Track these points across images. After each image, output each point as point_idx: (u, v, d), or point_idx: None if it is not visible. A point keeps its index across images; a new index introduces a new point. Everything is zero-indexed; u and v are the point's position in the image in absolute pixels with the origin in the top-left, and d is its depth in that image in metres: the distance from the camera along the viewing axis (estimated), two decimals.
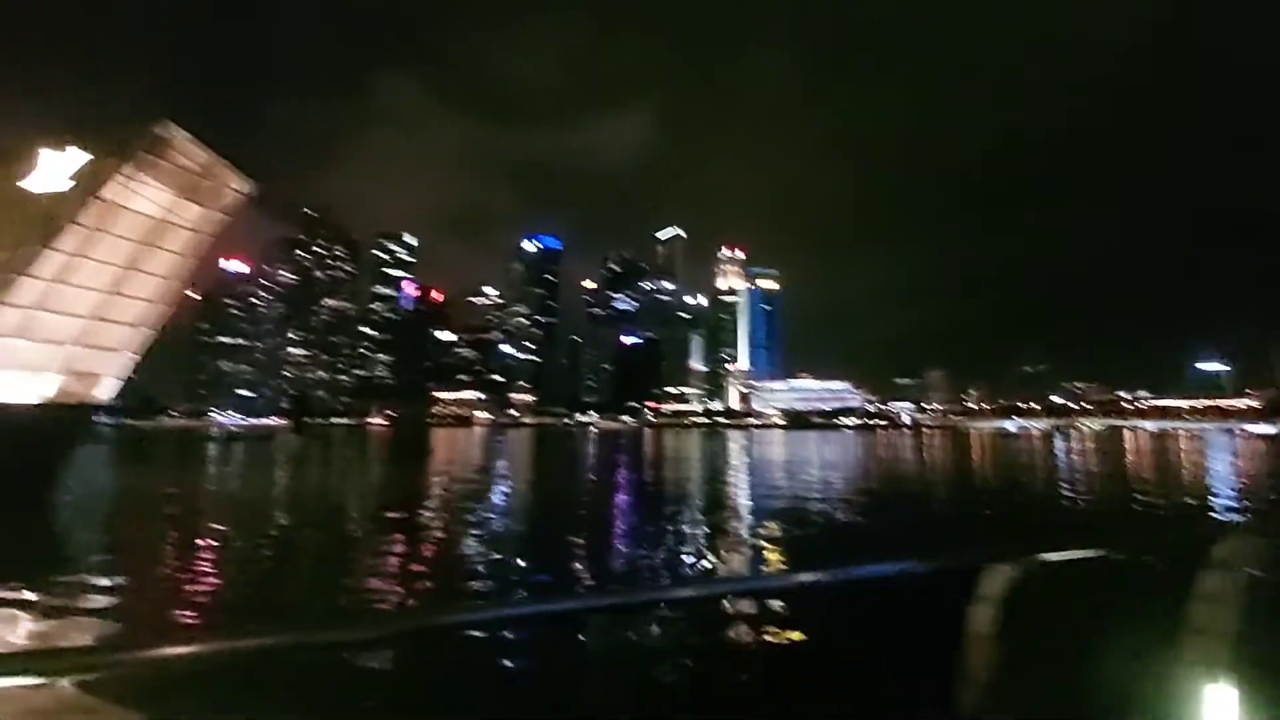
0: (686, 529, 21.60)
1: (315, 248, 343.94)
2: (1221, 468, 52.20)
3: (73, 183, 25.01)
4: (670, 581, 14.11)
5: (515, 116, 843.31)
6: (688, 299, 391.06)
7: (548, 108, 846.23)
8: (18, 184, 25.01)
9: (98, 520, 22.95)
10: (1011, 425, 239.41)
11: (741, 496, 33.12)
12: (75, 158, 25.33)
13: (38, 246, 24.17)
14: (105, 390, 29.58)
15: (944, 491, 35.67)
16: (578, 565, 16.33)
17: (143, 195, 26.68)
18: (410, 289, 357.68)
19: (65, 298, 25.92)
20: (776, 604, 10.80)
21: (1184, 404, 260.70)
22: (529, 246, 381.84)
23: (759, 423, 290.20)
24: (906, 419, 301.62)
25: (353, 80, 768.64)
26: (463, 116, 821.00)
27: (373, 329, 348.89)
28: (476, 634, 8.49)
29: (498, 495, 33.13)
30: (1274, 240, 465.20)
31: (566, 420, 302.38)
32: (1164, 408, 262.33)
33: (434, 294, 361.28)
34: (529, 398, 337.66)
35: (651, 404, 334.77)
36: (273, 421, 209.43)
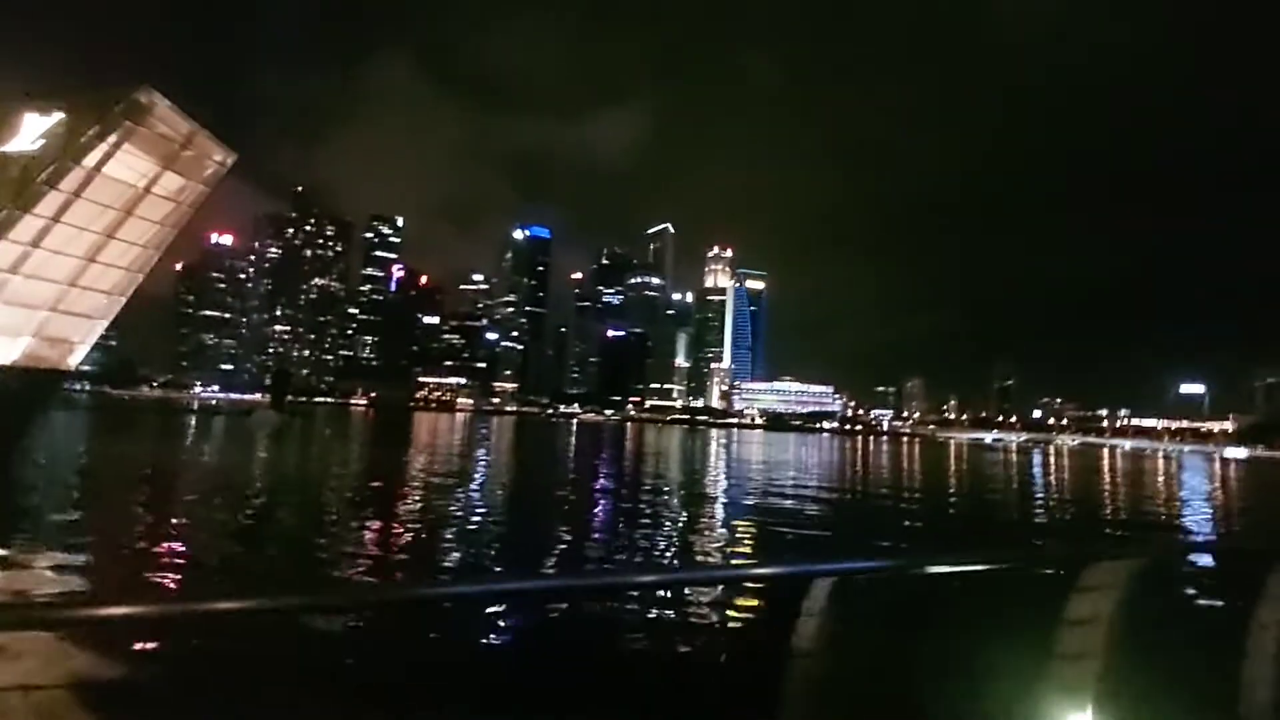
0: (655, 520, 22.19)
1: (305, 226, 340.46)
2: (1179, 489, 52.06)
3: (53, 148, 24.99)
4: (638, 568, 14.44)
5: (512, 106, 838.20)
6: (675, 296, 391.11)
7: (545, 99, 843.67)
8: None
9: (63, 485, 23.21)
10: (988, 437, 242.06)
11: (712, 491, 34.07)
12: (56, 123, 25.28)
13: (15, 210, 24.24)
14: (77, 357, 29.68)
15: (875, 498, 35.47)
16: (542, 550, 16.78)
17: (123, 162, 26.47)
18: (399, 272, 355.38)
19: (41, 263, 25.98)
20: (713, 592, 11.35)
21: (1162, 425, 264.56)
22: (520, 236, 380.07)
23: (739, 422, 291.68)
24: (885, 426, 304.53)
25: (349, 59, 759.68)
26: (460, 102, 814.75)
27: (359, 310, 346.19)
28: (445, 608, 9.11)
29: (473, 480, 33.30)
30: (1257, 267, 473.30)
31: (549, 411, 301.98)
32: (1142, 428, 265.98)
33: (422, 278, 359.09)
34: (513, 386, 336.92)
35: (634, 398, 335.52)
36: (254, 397, 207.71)
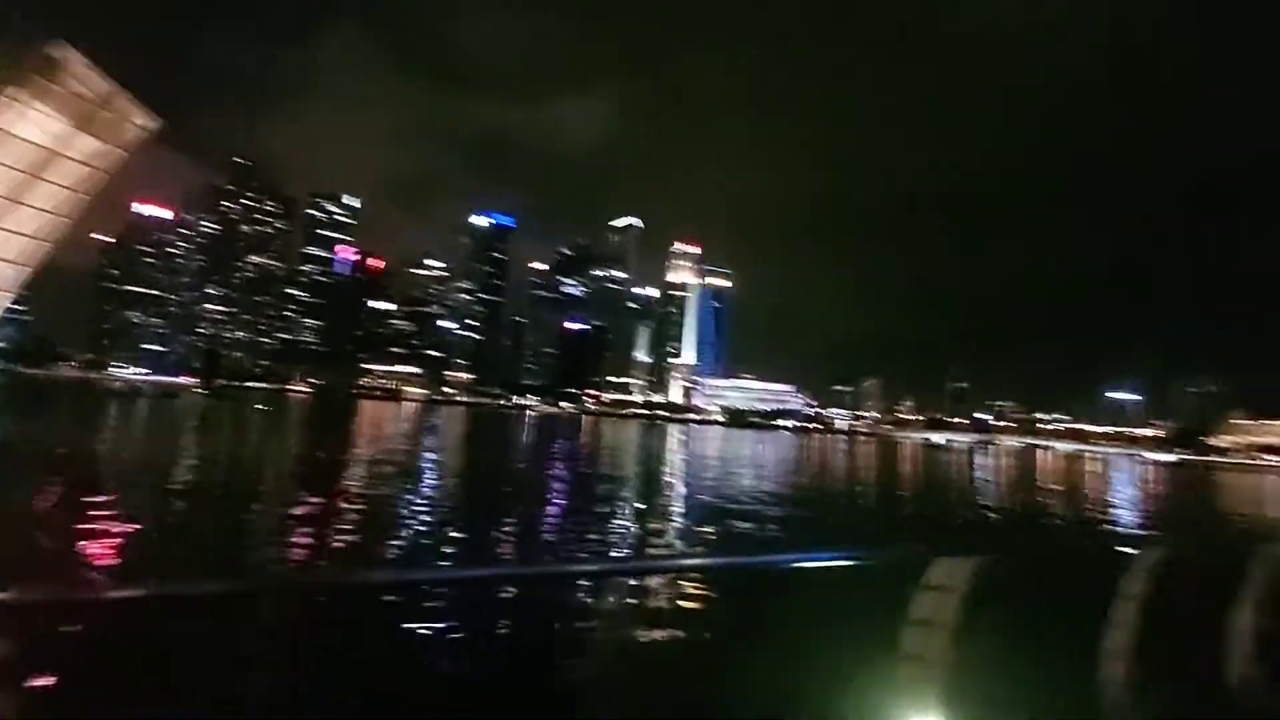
0: (606, 512, 23.16)
1: (244, 199, 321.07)
2: (1099, 488, 57.56)
3: None
4: (583, 558, 15.25)
5: (472, 87, 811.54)
6: (638, 290, 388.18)
7: (508, 82, 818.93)
8: None
9: None
10: (939, 438, 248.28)
11: (662, 486, 34.24)
12: None
13: None
14: None
15: (804, 495, 36.68)
16: (483, 539, 17.25)
17: (32, 120, 22.48)
18: (347, 253, 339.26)
19: None
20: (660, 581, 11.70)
21: (1096, 429, 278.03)
22: (479, 221, 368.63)
23: (699, 418, 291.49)
24: (842, 425, 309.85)
25: (298, 27, 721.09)
26: (416, 80, 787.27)
27: (301, 291, 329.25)
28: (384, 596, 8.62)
29: (413, 473, 31.77)
30: (1181, 282, 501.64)
31: (504, 402, 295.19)
32: (1078, 430, 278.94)
33: (372, 260, 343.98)
34: (466, 376, 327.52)
35: (592, 392, 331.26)
36: (182, 379, 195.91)
